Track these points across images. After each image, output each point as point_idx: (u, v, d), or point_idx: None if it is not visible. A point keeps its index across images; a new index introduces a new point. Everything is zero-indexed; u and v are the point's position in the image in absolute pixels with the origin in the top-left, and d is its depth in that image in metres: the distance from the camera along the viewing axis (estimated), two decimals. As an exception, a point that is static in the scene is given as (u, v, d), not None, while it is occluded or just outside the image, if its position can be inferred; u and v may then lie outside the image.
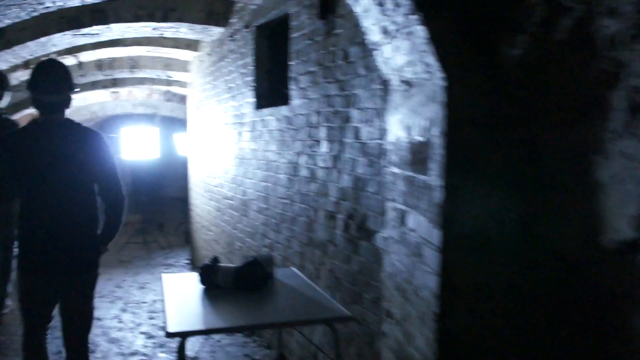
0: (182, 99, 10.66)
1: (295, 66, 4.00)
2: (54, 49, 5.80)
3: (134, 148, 8.18)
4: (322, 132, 3.57)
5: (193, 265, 7.82)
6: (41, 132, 2.77)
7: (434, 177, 2.10)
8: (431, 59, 2.02)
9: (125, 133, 8.18)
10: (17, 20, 4.77)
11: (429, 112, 2.13)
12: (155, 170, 8.81)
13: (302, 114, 3.92)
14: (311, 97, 3.73)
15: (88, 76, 8.19)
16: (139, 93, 10.70)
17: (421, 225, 2.20)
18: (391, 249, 2.54)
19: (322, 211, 3.60)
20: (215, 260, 2.96)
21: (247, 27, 5.09)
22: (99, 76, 8.33)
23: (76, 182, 2.78)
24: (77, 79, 8.36)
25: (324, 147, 3.56)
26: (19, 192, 2.78)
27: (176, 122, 13.41)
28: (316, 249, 3.71)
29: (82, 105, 10.58)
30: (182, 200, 12.38)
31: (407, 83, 2.31)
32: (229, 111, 5.78)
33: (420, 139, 2.20)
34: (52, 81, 2.75)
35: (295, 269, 3.41)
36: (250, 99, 5.12)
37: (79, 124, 2.88)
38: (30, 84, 2.76)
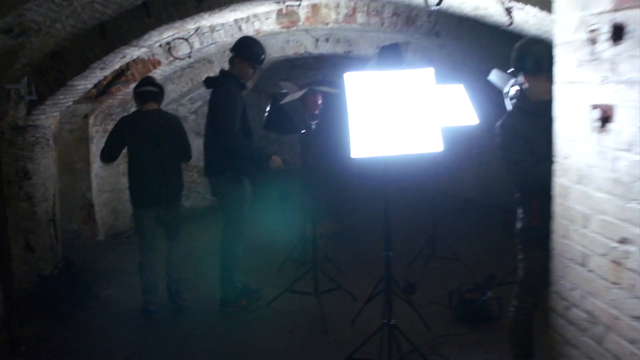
0: (411, 20, 5.39)
1: None
2: None
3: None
4: None
5: None
6: (140, 118, 4.50)
7: None
8: None
9: (350, 82, 2.97)
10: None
11: None
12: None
13: None
14: None
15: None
16: (326, 12, 5.63)
17: None
18: None
19: None
20: None
21: None
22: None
23: (163, 151, 4.43)
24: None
25: None
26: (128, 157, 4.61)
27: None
28: None
29: (229, 41, 5.75)
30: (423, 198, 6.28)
31: None
32: None
33: None
34: (148, 78, 4.67)
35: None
36: None
37: (164, 112, 4.64)
38: (138, 84, 4.68)
